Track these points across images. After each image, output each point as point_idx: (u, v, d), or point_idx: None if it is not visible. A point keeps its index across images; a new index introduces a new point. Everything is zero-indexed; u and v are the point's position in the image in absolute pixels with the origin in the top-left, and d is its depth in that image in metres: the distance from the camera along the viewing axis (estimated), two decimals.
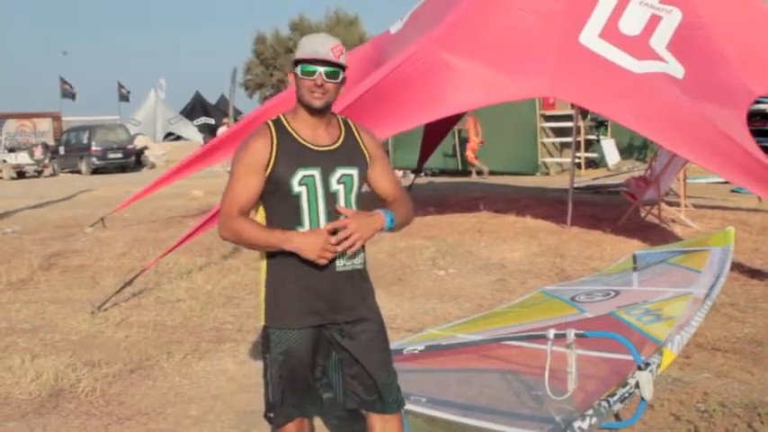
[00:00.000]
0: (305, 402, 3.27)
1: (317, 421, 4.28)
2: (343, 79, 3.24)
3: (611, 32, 9.97)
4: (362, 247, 3.28)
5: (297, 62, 3.20)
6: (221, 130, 31.63)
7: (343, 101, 9.00)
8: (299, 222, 3.17)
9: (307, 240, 3.10)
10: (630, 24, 10.03)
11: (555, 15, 10.15)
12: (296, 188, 3.15)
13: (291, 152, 3.18)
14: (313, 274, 3.17)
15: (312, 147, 3.21)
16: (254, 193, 3.20)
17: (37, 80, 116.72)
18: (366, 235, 3.16)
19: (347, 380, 3.29)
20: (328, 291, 3.20)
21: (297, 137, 3.21)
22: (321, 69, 3.15)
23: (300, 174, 3.15)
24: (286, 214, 3.17)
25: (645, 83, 9.52)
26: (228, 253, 10.16)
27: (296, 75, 3.20)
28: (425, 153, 17.10)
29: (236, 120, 31.93)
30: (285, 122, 3.25)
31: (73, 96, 44.35)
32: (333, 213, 3.18)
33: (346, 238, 3.11)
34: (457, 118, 14.57)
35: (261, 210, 3.28)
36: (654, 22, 10.08)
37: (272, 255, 3.23)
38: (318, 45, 3.18)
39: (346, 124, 3.35)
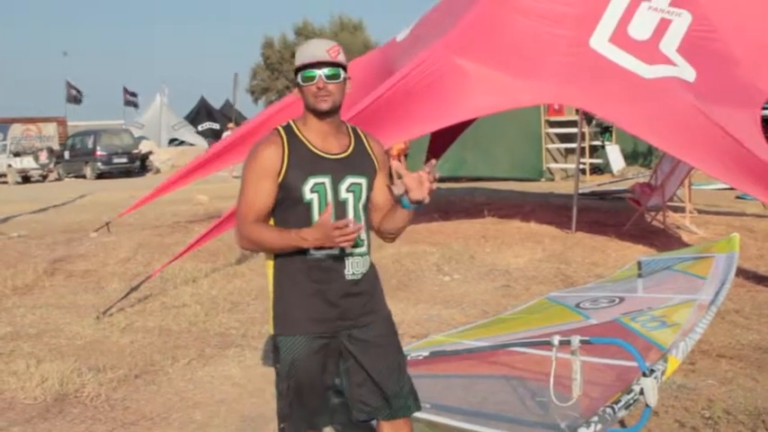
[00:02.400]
0: (313, 413, 3.26)
1: None
2: (345, 79, 3.22)
3: (620, 37, 9.94)
4: (369, 255, 3.29)
5: (297, 72, 3.19)
6: (226, 135, 31.72)
7: (355, 108, 9.03)
8: None
9: (318, 232, 3.00)
10: (640, 29, 10.01)
11: (565, 19, 10.14)
12: (307, 195, 3.14)
13: (303, 159, 3.16)
14: (322, 281, 3.17)
15: (323, 154, 3.19)
16: (269, 199, 3.17)
17: (42, 85, 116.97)
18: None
19: (354, 389, 3.27)
20: (337, 298, 3.19)
21: (308, 144, 3.20)
22: (320, 72, 3.14)
23: (312, 181, 3.14)
24: (296, 222, 3.14)
25: (655, 88, 9.49)
26: (234, 258, 10.18)
27: (298, 84, 3.20)
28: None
29: (239, 125, 31.97)
30: (296, 129, 3.23)
31: (78, 101, 44.43)
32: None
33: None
34: (466, 125, 14.57)
35: (270, 219, 3.27)
36: (663, 25, 10.05)
37: (279, 262, 3.22)
38: (314, 49, 3.18)
39: (356, 133, 3.34)
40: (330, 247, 3.10)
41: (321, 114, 3.20)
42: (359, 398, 3.27)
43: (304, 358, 3.18)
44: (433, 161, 3.15)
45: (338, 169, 3.19)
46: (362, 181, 3.24)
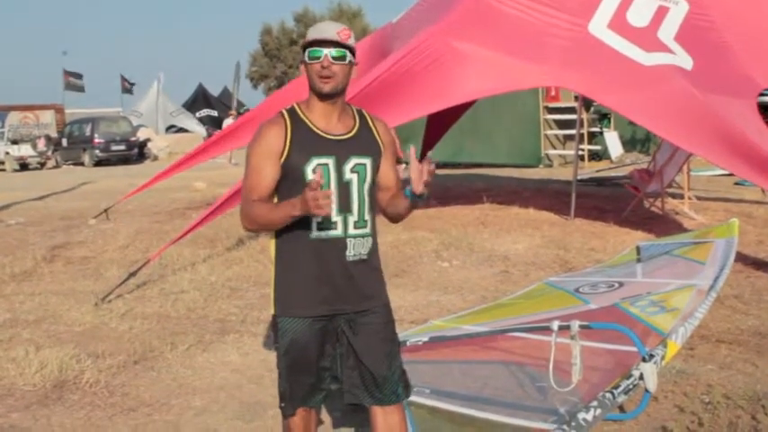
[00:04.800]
0: (309, 393, 3.27)
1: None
2: (352, 63, 3.22)
3: (619, 23, 9.94)
4: (372, 237, 3.28)
5: (304, 48, 3.19)
6: (227, 122, 31.67)
7: (351, 90, 9.00)
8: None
9: (300, 200, 2.95)
10: (638, 16, 10.01)
11: (564, 4, 10.14)
12: (310, 176, 3.13)
13: (305, 140, 3.17)
14: (323, 264, 3.17)
15: (326, 135, 3.19)
16: (272, 180, 3.18)
17: (40, 72, 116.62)
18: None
19: (346, 372, 3.28)
20: (338, 280, 3.19)
21: (311, 125, 3.20)
22: (327, 51, 3.13)
23: (315, 162, 3.14)
24: None
25: (653, 75, 9.48)
26: (232, 245, 10.18)
27: (304, 62, 3.19)
28: (428, 145, 17.06)
29: (239, 113, 31.91)
30: (299, 111, 3.24)
31: (80, 88, 44.30)
32: (345, 203, 3.17)
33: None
34: (463, 110, 14.55)
35: (275, 199, 3.26)
36: (661, 13, 10.05)
37: (281, 243, 3.23)
38: (324, 29, 3.18)
39: (361, 114, 3.34)
40: (329, 228, 3.14)
41: (324, 96, 3.19)
42: (350, 381, 3.27)
43: (302, 339, 3.20)
44: (430, 154, 3.16)
45: (342, 150, 3.19)
46: (367, 161, 3.24)
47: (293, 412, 3.28)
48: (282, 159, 3.16)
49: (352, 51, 3.20)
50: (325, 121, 3.22)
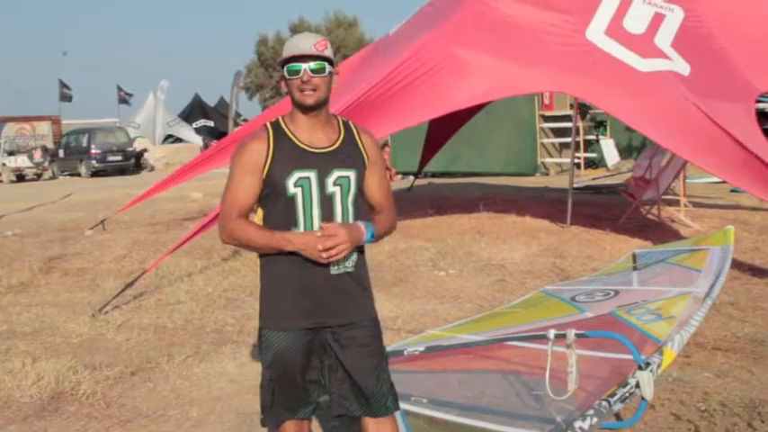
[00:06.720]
0: (295, 405, 3.26)
1: (315, 422, 4.29)
2: (331, 73, 3.22)
3: (616, 30, 9.98)
4: (358, 250, 3.26)
5: (283, 65, 3.20)
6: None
7: (349, 98, 9.02)
8: (295, 224, 3.16)
9: (306, 240, 3.08)
10: (635, 22, 10.05)
11: (561, 10, 10.17)
12: (291, 190, 3.15)
13: (287, 154, 3.17)
14: (306, 276, 3.17)
15: (309, 148, 3.19)
16: (252, 194, 3.21)
17: (36, 84, 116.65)
18: (350, 245, 3.13)
19: (334, 384, 3.28)
20: (321, 293, 3.19)
21: (293, 138, 3.20)
22: (305, 66, 3.15)
23: (296, 175, 3.15)
24: (282, 216, 3.17)
25: (650, 82, 9.52)
26: (229, 255, 10.17)
27: (284, 77, 3.21)
28: (428, 155, 17.08)
29: (236, 123, 31.91)
30: (283, 124, 3.25)
31: (70, 98, 44.20)
32: (328, 216, 3.17)
33: (333, 247, 3.08)
34: (463, 119, 14.56)
35: (259, 211, 3.29)
36: (657, 20, 10.10)
37: (267, 256, 3.23)
38: (300, 43, 3.18)
39: (347, 126, 3.33)
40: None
41: (306, 109, 3.20)
42: (339, 392, 3.27)
43: (286, 351, 3.20)
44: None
45: (325, 163, 3.18)
46: (350, 174, 3.22)
47: (274, 425, 3.30)
48: (264, 173, 3.17)
49: (331, 62, 3.20)
50: (308, 133, 3.22)
